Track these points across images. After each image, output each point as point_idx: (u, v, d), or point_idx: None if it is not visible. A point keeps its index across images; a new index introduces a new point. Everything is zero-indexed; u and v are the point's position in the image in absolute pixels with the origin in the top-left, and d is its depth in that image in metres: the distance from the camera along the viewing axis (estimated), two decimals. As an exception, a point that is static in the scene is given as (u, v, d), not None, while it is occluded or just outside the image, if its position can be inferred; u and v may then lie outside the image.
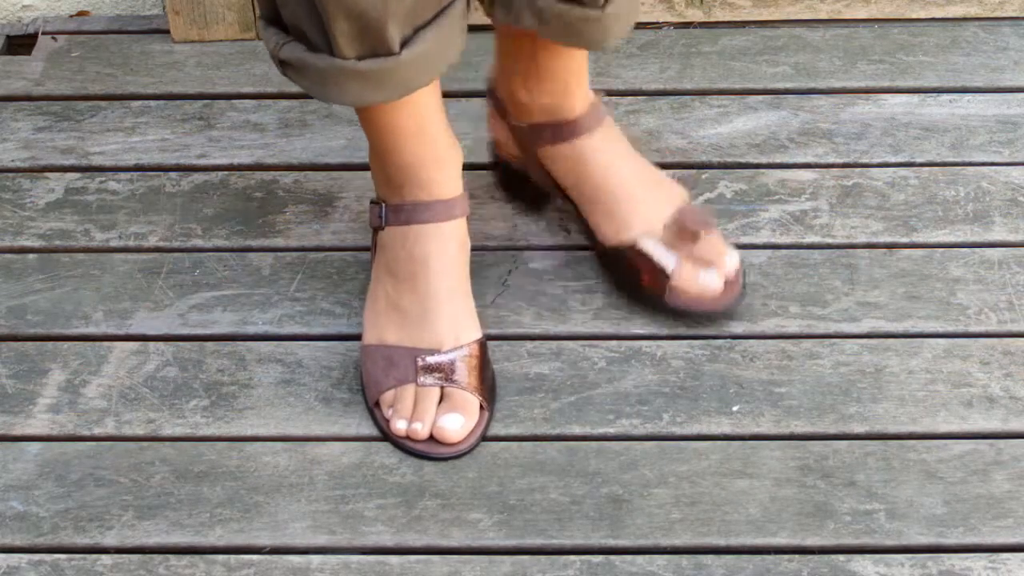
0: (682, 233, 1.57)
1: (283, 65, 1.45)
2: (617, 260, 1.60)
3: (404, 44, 1.40)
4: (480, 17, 1.53)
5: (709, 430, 1.50)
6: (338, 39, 1.39)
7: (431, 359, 1.50)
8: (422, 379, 1.49)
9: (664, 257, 1.57)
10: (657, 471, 1.47)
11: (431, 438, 1.48)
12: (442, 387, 1.49)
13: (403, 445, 1.49)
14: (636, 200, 1.59)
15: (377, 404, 1.51)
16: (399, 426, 1.49)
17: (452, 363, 1.50)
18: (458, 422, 1.48)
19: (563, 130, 1.59)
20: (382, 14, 1.37)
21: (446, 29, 1.42)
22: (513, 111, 1.61)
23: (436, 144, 1.50)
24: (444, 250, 1.52)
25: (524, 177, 1.66)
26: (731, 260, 1.58)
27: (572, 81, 1.58)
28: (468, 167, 1.59)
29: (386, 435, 1.49)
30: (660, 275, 1.57)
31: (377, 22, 1.37)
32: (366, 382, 1.52)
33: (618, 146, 1.61)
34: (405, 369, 1.50)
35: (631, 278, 1.59)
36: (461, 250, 1.53)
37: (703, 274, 1.57)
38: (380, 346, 1.52)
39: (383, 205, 1.53)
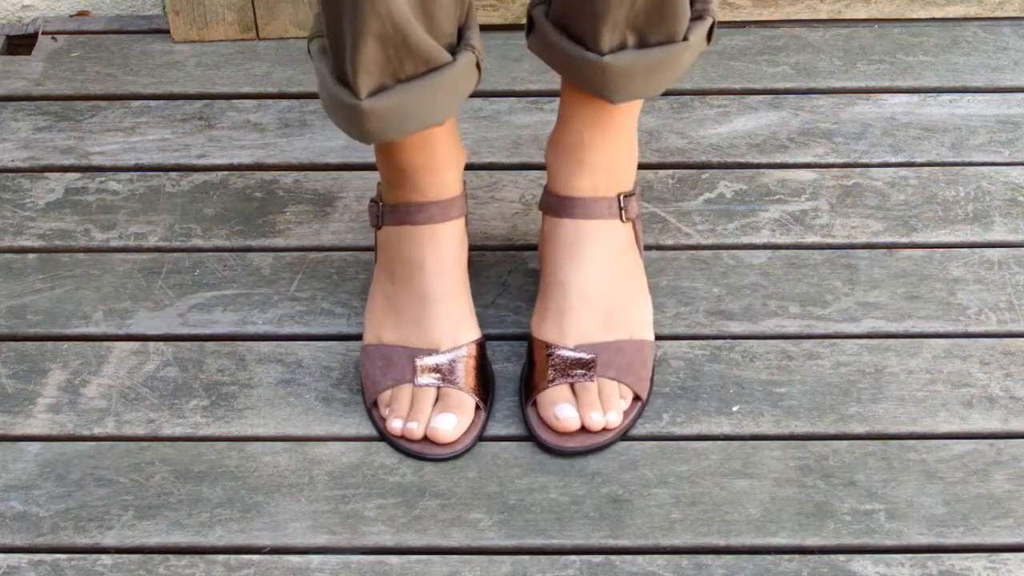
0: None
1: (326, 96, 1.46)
2: (529, 346, 1.54)
3: (373, 93, 1.39)
4: (484, 16, 1.53)
5: (709, 430, 1.50)
6: (334, 63, 1.41)
7: (429, 359, 1.50)
8: (419, 379, 1.49)
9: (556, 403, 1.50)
10: (657, 471, 1.47)
11: (426, 438, 1.48)
12: (439, 387, 1.49)
13: (398, 445, 1.49)
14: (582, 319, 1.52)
15: (375, 404, 1.51)
16: (395, 425, 1.49)
17: (450, 363, 1.50)
18: (452, 422, 1.48)
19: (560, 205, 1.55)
20: (354, 57, 1.37)
21: (426, 91, 1.40)
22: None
23: (436, 152, 1.50)
24: (440, 251, 1.52)
25: None
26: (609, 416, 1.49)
27: (587, 134, 1.52)
28: (468, 167, 1.59)
29: (383, 435, 1.50)
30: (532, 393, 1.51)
31: (348, 61, 1.37)
32: (364, 382, 1.52)
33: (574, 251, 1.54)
34: (402, 369, 1.50)
35: (525, 367, 1.54)
36: (459, 251, 1.53)
37: (558, 409, 1.48)
38: (379, 346, 1.52)
39: (380, 204, 1.53)
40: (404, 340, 1.51)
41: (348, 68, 1.38)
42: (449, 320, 1.51)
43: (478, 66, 1.44)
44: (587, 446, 1.47)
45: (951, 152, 1.76)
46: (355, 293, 1.64)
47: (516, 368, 1.56)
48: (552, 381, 1.48)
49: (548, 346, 1.50)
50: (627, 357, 1.50)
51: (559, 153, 1.54)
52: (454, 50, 1.42)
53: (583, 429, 1.47)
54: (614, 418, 1.47)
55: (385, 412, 1.50)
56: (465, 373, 1.50)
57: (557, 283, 1.52)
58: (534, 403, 1.49)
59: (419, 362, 1.50)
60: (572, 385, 1.49)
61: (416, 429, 1.48)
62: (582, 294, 1.51)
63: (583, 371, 1.48)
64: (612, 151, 1.53)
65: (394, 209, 1.53)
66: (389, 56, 1.37)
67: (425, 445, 1.48)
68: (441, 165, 1.51)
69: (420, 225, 1.52)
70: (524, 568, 1.40)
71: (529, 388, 1.51)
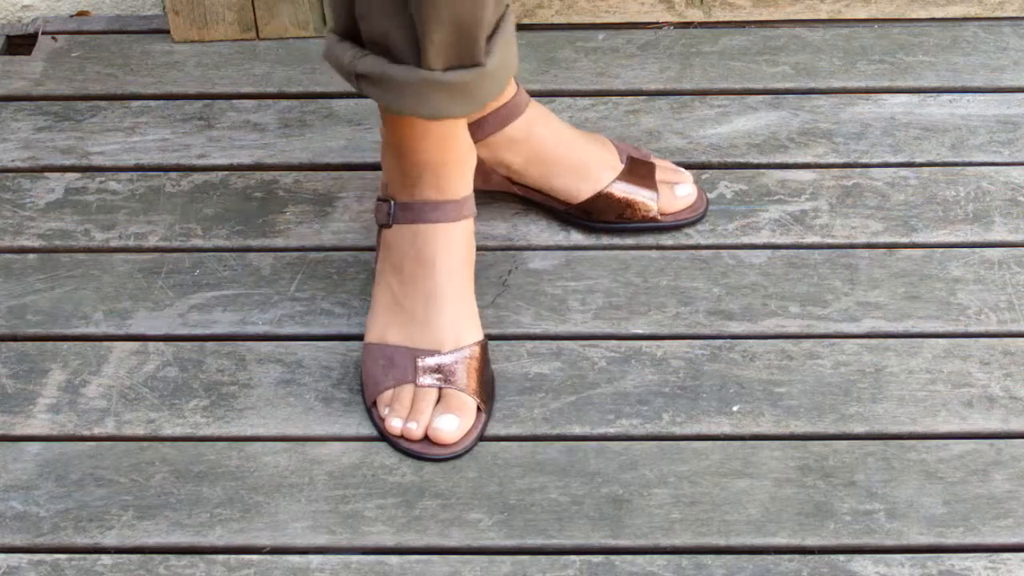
0: (637, 167, 1.67)
1: (359, 79, 1.46)
2: (599, 208, 1.67)
3: (446, 69, 1.42)
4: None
5: (709, 430, 1.50)
6: (428, 50, 1.40)
7: (431, 360, 1.50)
8: (421, 379, 1.49)
9: (640, 191, 1.67)
10: (657, 471, 1.47)
11: (426, 439, 1.48)
12: (440, 388, 1.49)
13: (398, 444, 1.49)
14: (588, 152, 1.66)
15: (375, 403, 1.51)
16: (394, 424, 1.49)
17: (452, 364, 1.50)
18: (454, 423, 1.48)
19: (507, 112, 1.62)
20: (478, 23, 1.39)
21: (509, 36, 1.45)
22: None
23: (458, 147, 1.51)
24: (452, 250, 1.52)
25: None
26: (685, 172, 1.70)
27: None
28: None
29: (382, 434, 1.49)
30: (645, 206, 1.66)
31: (472, 32, 1.39)
32: (365, 381, 1.52)
33: (548, 113, 1.67)
34: (404, 369, 1.50)
35: (622, 217, 1.67)
36: (468, 251, 1.54)
37: (679, 189, 1.68)
38: (381, 345, 1.52)
39: (392, 202, 1.53)
40: (408, 340, 1.51)
41: (467, 39, 1.40)
42: (453, 321, 1.51)
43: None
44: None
45: (951, 152, 1.76)
46: (355, 293, 1.64)
47: (516, 368, 1.56)
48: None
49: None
50: (636, 148, 1.71)
51: None
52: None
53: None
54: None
55: (384, 412, 1.50)
56: (467, 374, 1.50)
57: (567, 144, 1.67)
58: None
59: (421, 362, 1.50)
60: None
61: (415, 429, 1.48)
62: (579, 140, 1.69)
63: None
64: None
65: (407, 207, 1.52)
66: (455, 40, 1.40)
67: (425, 445, 1.48)
68: (460, 161, 1.51)
69: (435, 223, 1.52)
70: (524, 568, 1.40)
71: (649, 210, 1.67)
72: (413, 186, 1.52)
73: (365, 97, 1.48)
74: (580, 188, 1.66)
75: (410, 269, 1.52)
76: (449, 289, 1.52)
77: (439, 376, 1.49)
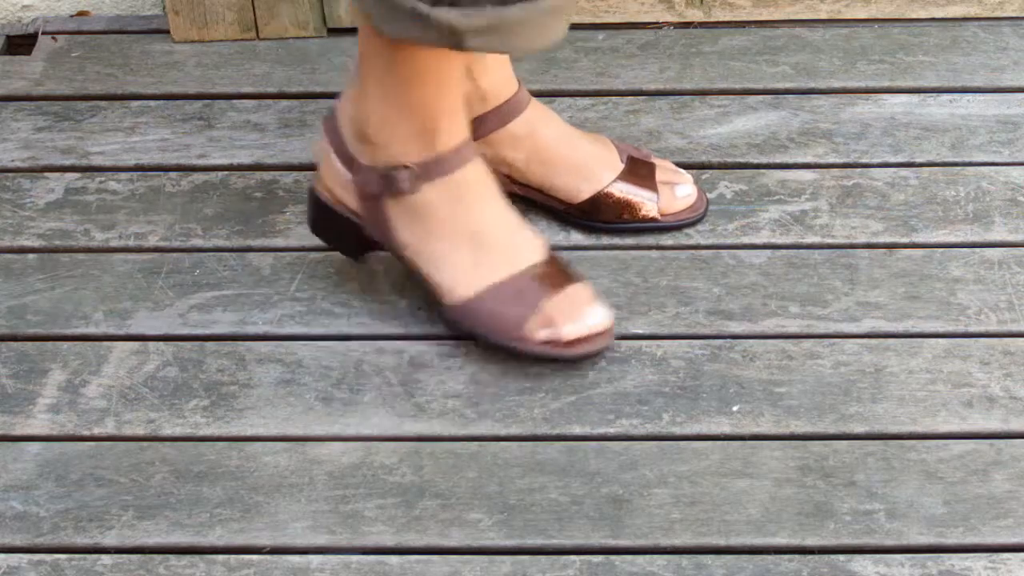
0: (638, 167, 1.68)
1: (469, 35, 1.41)
2: (600, 208, 1.67)
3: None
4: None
5: (709, 430, 1.50)
6: None
7: (545, 268, 1.54)
8: (552, 289, 1.53)
9: (640, 191, 1.67)
10: (657, 471, 1.47)
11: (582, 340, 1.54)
12: (567, 285, 1.54)
13: (564, 355, 1.53)
14: (589, 153, 1.67)
15: (524, 338, 1.53)
16: (568, 331, 1.52)
17: (559, 262, 1.56)
18: (602, 308, 1.55)
19: (509, 109, 1.64)
20: None
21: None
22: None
23: (460, 93, 1.52)
24: (489, 176, 1.55)
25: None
26: (685, 173, 1.70)
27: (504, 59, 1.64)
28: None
29: (548, 357, 1.53)
30: (646, 206, 1.67)
31: None
32: (507, 326, 1.53)
33: (549, 112, 1.68)
34: (534, 290, 1.53)
35: (621, 217, 1.68)
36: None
37: (679, 190, 1.69)
38: (492, 289, 1.53)
39: (408, 168, 1.52)
40: (512, 268, 1.54)
41: None
42: (529, 229, 1.56)
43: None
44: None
45: (951, 152, 1.77)
46: (355, 293, 1.64)
47: (516, 368, 1.56)
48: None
49: None
50: (636, 148, 1.73)
51: None
52: None
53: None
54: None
55: (544, 334, 1.52)
56: (567, 265, 1.57)
57: (569, 143, 1.69)
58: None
59: (540, 274, 1.54)
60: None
61: (583, 325, 1.53)
62: (580, 139, 1.71)
63: None
64: None
65: (435, 163, 1.51)
66: None
67: (590, 342, 1.54)
68: (462, 106, 1.53)
69: (469, 163, 1.53)
70: (524, 568, 1.40)
71: (649, 210, 1.67)
72: (432, 139, 1.51)
73: None
74: (580, 187, 1.66)
75: (467, 214, 1.53)
76: (509, 207, 1.55)
77: (560, 276, 1.54)
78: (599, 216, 1.67)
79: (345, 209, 1.58)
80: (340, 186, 1.57)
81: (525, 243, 1.56)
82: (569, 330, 1.53)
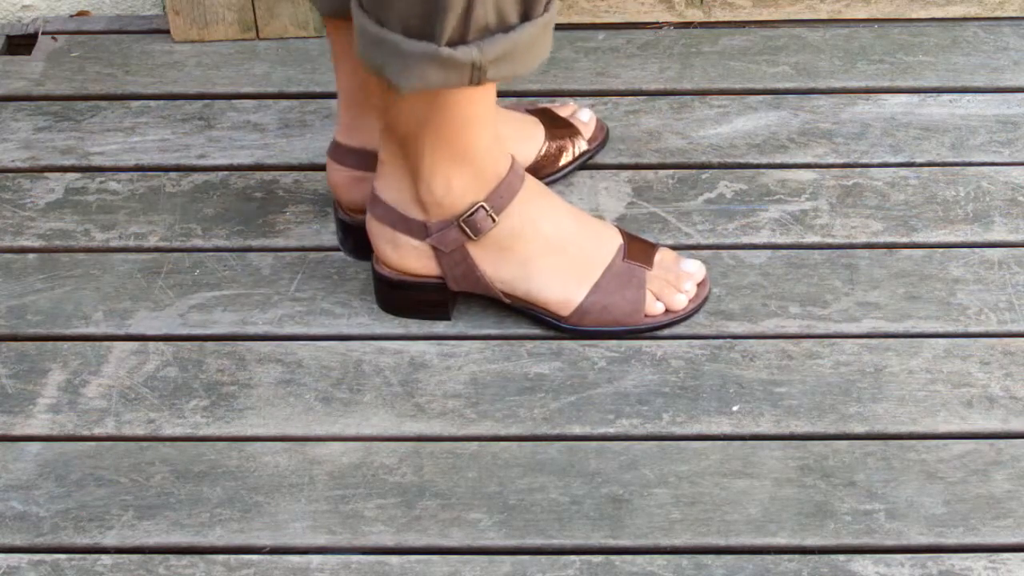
0: (551, 118, 1.75)
1: (485, 69, 1.40)
2: (543, 167, 1.73)
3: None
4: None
5: (709, 430, 1.50)
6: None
7: (626, 248, 1.58)
8: (644, 264, 1.57)
9: (565, 136, 1.74)
10: (657, 471, 1.47)
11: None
12: (656, 257, 1.59)
13: (691, 310, 1.58)
14: (512, 140, 1.68)
15: (647, 318, 1.57)
16: (679, 300, 1.57)
17: (627, 234, 1.59)
18: (694, 261, 1.61)
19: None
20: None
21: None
22: None
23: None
24: (541, 183, 1.58)
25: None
26: (571, 102, 1.77)
27: None
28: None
29: (668, 324, 1.58)
30: (576, 144, 1.75)
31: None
32: (627, 313, 1.56)
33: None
34: (635, 270, 1.56)
35: (563, 165, 1.74)
36: None
37: (582, 115, 1.76)
38: (598, 285, 1.56)
39: (482, 205, 1.52)
40: (606, 256, 1.56)
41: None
42: (592, 215, 1.62)
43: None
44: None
45: (951, 152, 1.77)
46: (355, 293, 1.64)
47: (516, 368, 1.56)
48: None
49: None
50: None
51: None
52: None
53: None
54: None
55: (658, 307, 1.57)
56: (636, 236, 1.61)
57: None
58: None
59: (627, 251, 1.57)
60: None
61: (691, 291, 1.58)
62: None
63: None
64: None
65: (500, 190, 1.52)
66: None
67: (699, 295, 1.60)
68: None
69: (526, 178, 1.55)
70: (524, 568, 1.40)
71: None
72: (491, 172, 1.52)
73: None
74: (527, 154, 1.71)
75: (546, 226, 1.55)
76: (566, 201, 1.60)
77: (642, 247, 1.58)
78: (548, 170, 1.73)
79: (425, 278, 1.57)
80: (414, 258, 1.56)
81: (602, 231, 1.58)
82: (679, 300, 1.57)
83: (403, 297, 1.59)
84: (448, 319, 1.60)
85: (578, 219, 1.58)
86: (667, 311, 1.58)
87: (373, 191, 1.55)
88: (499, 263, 1.55)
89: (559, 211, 1.57)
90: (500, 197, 1.52)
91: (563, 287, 1.56)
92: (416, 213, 1.54)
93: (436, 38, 1.37)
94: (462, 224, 1.53)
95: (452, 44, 1.38)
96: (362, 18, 1.40)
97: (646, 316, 1.57)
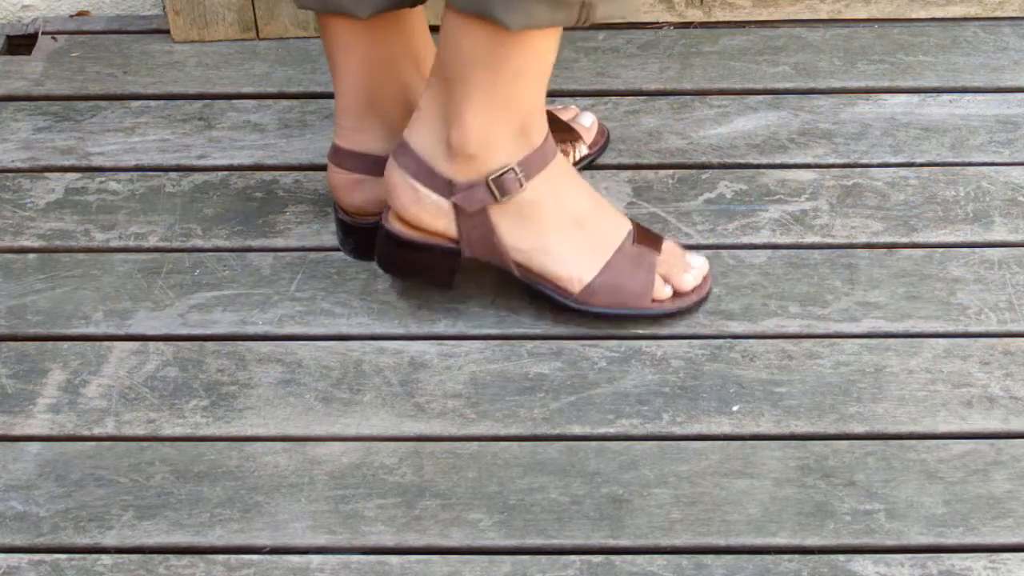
0: (553, 122, 1.70)
1: (601, 2, 1.42)
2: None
3: None
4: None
5: (709, 430, 1.50)
6: None
7: (636, 234, 1.58)
8: (652, 250, 1.57)
9: (566, 140, 1.72)
10: (657, 471, 1.47)
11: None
12: (662, 242, 1.59)
13: (693, 301, 1.59)
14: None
15: (655, 301, 1.57)
16: (687, 280, 1.58)
17: (637, 223, 1.59)
18: (699, 256, 1.61)
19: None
20: None
21: None
22: None
23: None
24: (568, 161, 1.60)
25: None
26: (573, 106, 1.76)
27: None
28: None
29: (675, 312, 1.59)
30: (578, 148, 1.76)
31: None
32: (635, 294, 1.56)
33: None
34: (645, 253, 1.57)
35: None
36: None
37: (584, 119, 1.76)
38: (609, 265, 1.56)
39: (514, 168, 1.51)
40: (615, 238, 1.56)
41: None
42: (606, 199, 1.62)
43: None
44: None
45: (951, 152, 1.77)
46: (355, 293, 1.64)
47: (516, 368, 1.56)
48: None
49: None
50: None
51: None
52: None
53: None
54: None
55: (666, 291, 1.57)
56: (646, 227, 1.61)
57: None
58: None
59: (636, 236, 1.57)
60: None
61: (698, 275, 1.59)
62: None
63: None
64: None
65: (535, 156, 1.52)
66: None
67: (702, 287, 1.60)
68: None
69: (558, 152, 1.55)
70: (524, 568, 1.40)
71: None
72: (529, 135, 1.51)
73: None
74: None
75: (568, 201, 1.55)
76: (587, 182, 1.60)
77: (650, 235, 1.58)
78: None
79: (436, 238, 1.55)
80: (432, 215, 1.53)
81: (615, 214, 1.59)
82: (687, 280, 1.58)
83: (407, 257, 1.56)
84: (449, 288, 1.59)
85: (597, 201, 1.58)
86: (674, 296, 1.58)
87: (402, 139, 1.53)
88: (519, 231, 1.54)
89: (582, 191, 1.57)
90: (531, 164, 1.52)
91: (577, 263, 1.56)
92: (444, 167, 1.51)
93: None
94: (491, 183, 1.52)
95: None
96: None
97: (653, 301, 1.57)
